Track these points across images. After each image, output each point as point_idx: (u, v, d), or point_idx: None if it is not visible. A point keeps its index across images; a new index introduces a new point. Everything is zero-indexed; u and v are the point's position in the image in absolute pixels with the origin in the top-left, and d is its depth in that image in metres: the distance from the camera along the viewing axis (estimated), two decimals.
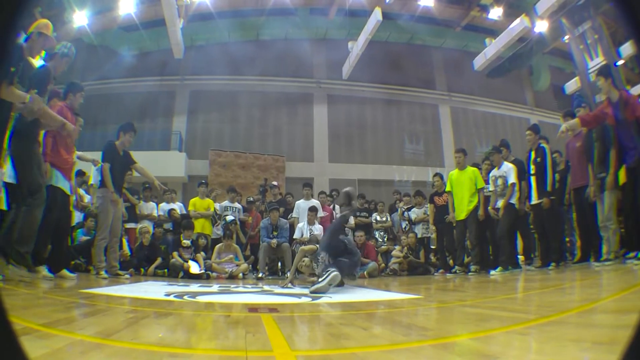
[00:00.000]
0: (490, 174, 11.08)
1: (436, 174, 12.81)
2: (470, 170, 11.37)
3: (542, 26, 22.78)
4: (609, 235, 8.09)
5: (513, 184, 10.42)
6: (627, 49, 17.94)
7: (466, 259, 11.66)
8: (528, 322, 2.80)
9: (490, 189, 11.01)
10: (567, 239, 11.49)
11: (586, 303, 3.70)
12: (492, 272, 10.10)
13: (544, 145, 10.35)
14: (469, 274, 10.80)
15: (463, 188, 11.24)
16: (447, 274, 11.35)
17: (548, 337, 2.35)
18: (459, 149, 12.16)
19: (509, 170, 10.62)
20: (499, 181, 10.71)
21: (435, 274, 12.07)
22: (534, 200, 10.16)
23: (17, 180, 6.29)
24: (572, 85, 24.56)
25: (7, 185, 7.10)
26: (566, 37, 21.96)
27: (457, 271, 11.13)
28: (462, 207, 11.22)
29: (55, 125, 6.36)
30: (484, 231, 11.14)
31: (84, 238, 10.83)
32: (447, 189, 11.66)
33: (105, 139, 10.14)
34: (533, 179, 10.20)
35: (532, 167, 10.25)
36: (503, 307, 4.09)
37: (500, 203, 10.50)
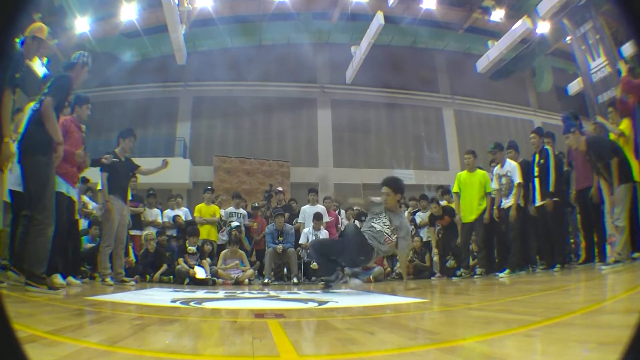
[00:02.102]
0: (494, 172, 11.02)
1: (432, 199, 12.64)
2: (480, 173, 11.25)
3: (544, 27, 22.79)
4: (617, 235, 8.08)
5: (519, 184, 10.37)
6: (628, 48, 17.91)
7: (471, 262, 11.64)
8: (533, 324, 2.80)
9: (494, 187, 10.94)
10: (571, 240, 11.48)
11: (591, 304, 3.70)
12: (500, 274, 10.08)
13: (548, 147, 10.34)
14: (475, 276, 10.78)
15: (472, 191, 11.14)
16: (453, 278, 11.31)
17: (553, 338, 2.35)
18: (469, 150, 11.98)
19: (513, 169, 10.55)
20: (503, 180, 10.66)
21: (432, 277, 12.04)
22: (538, 202, 10.15)
23: (25, 193, 6.21)
24: (574, 86, 24.56)
25: (11, 192, 7.12)
26: (568, 38, 21.93)
27: (463, 274, 11.09)
28: (470, 209, 11.13)
29: (53, 138, 6.25)
30: (491, 234, 11.09)
31: (89, 245, 10.85)
32: (455, 190, 11.56)
33: (109, 146, 10.13)
34: (537, 181, 10.19)
35: (536, 169, 10.24)
36: (509, 309, 4.09)
37: (510, 203, 10.43)
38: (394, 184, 7.90)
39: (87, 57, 6.99)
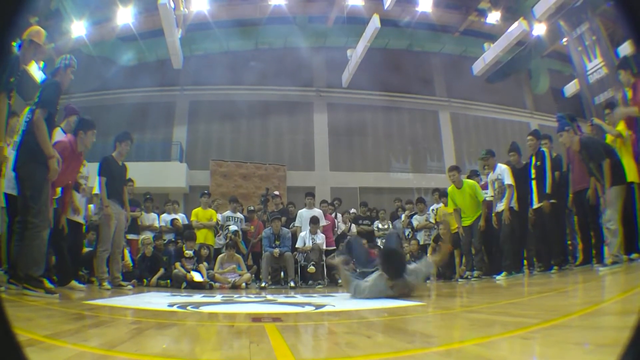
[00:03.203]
0: (488, 178, 11.05)
1: (443, 221, 12.52)
2: (468, 186, 11.20)
3: (540, 29, 22.80)
4: (610, 237, 8.08)
5: (510, 186, 10.37)
6: (625, 49, 17.92)
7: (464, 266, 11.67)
8: (531, 327, 2.80)
9: (490, 193, 10.97)
10: (569, 242, 11.47)
11: (589, 306, 3.70)
12: (497, 277, 10.08)
13: (544, 149, 10.35)
14: (472, 279, 10.79)
15: (465, 203, 11.13)
16: (459, 280, 11.29)
17: (551, 340, 2.35)
18: (452, 167, 11.86)
19: (503, 171, 10.56)
20: (496, 184, 10.68)
21: (427, 281, 12.05)
22: (535, 204, 10.15)
23: (21, 199, 6.20)
24: (571, 88, 24.56)
25: (6, 196, 7.09)
26: (564, 39, 21.94)
27: (468, 277, 11.08)
28: (467, 216, 11.18)
29: (44, 152, 6.18)
30: (488, 237, 11.09)
31: (86, 249, 10.83)
32: (452, 207, 11.52)
33: (105, 150, 10.08)
34: (534, 183, 10.20)
35: (533, 171, 10.25)
36: (506, 312, 4.09)
37: (502, 207, 10.45)
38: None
39: (69, 59, 6.94)
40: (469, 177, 12.17)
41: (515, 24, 21.88)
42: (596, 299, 4.68)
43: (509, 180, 10.39)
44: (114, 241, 9.14)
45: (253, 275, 12.38)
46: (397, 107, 27.75)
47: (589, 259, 9.57)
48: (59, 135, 8.10)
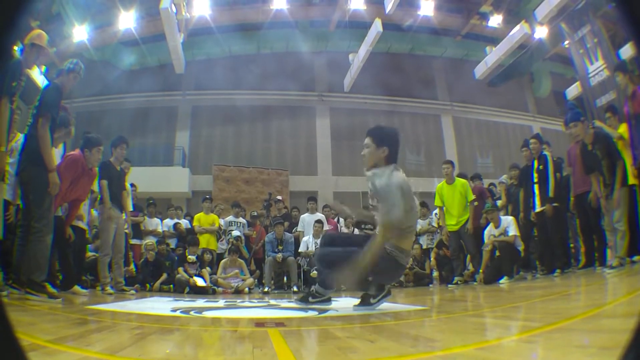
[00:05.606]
0: (486, 232, 10.88)
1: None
2: (460, 183, 11.18)
3: (541, 32, 22.79)
4: (617, 239, 8.07)
5: (515, 236, 10.27)
6: (626, 51, 17.89)
7: (471, 269, 11.60)
8: (534, 330, 2.79)
9: (486, 240, 10.78)
10: (571, 245, 11.45)
11: (592, 308, 3.70)
12: (500, 280, 10.05)
13: (546, 152, 10.34)
14: (474, 283, 10.77)
15: (454, 202, 11.08)
16: (449, 285, 11.26)
17: (554, 344, 2.35)
18: (447, 160, 11.99)
19: (509, 224, 10.43)
20: (496, 232, 10.56)
21: (430, 285, 12.03)
22: (538, 207, 10.14)
23: (24, 204, 6.21)
24: (573, 91, 24.50)
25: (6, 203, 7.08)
26: (566, 42, 21.90)
27: (458, 282, 11.03)
28: (453, 219, 11.14)
29: (46, 165, 6.15)
30: (481, 240, 11.03)
31: (90, 254, 10.83)
32: (438, 203, 11.49)
33: (105, 156, 10.07)
34: (536, 187, 10.18)
35: (535, 175, 10.22)
36: (509, 315, 4.09)
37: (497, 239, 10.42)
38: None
39: (74, 64, 6.84)
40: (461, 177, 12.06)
41: (517, 27, 21.87)
42: (599, 301, 4.68)
43: (514, 231, 10.28)
44: (115, 246, 9.13)
45: (256, 280, 12.38)
46: (399, 111, 27.78)
47: (591, 261, 9.56)
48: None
